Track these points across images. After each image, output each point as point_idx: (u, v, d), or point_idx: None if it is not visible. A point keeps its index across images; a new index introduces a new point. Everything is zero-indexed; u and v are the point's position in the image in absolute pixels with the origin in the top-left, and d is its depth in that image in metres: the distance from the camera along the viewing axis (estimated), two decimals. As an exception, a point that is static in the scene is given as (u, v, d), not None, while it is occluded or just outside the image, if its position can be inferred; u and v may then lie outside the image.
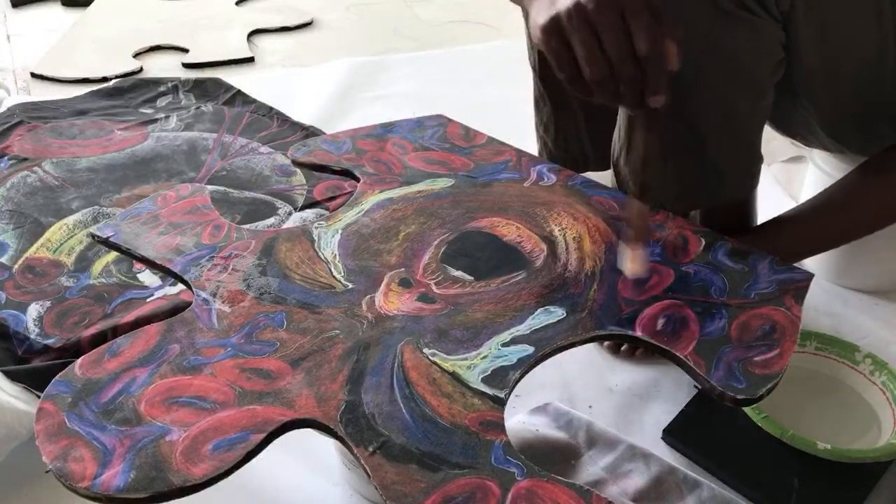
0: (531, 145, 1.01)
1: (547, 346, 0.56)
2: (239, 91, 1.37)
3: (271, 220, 1.02)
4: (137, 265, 0.90)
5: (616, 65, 0.55)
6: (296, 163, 0.77)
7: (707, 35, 0.69)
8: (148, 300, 0.86)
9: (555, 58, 0.58)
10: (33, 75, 1.51)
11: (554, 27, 0.56)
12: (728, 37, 0.69)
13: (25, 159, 1.12)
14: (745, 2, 0.68)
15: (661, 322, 0.58)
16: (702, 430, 0.75)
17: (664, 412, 0.78)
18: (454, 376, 0.53)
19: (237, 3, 1.88)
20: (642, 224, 0.62)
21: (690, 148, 0.75)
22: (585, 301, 0.60)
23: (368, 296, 0.60)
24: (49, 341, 0.80)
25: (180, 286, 0.75)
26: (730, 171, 0.78)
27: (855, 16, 0.71)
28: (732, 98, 0.73)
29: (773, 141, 0.85)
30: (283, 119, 1.28)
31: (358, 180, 0.74)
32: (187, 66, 1.56)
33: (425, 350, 0.55)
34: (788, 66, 0.74)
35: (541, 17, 0.58)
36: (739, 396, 0.52)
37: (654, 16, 0.55)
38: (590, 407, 0.79)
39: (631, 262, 0.61)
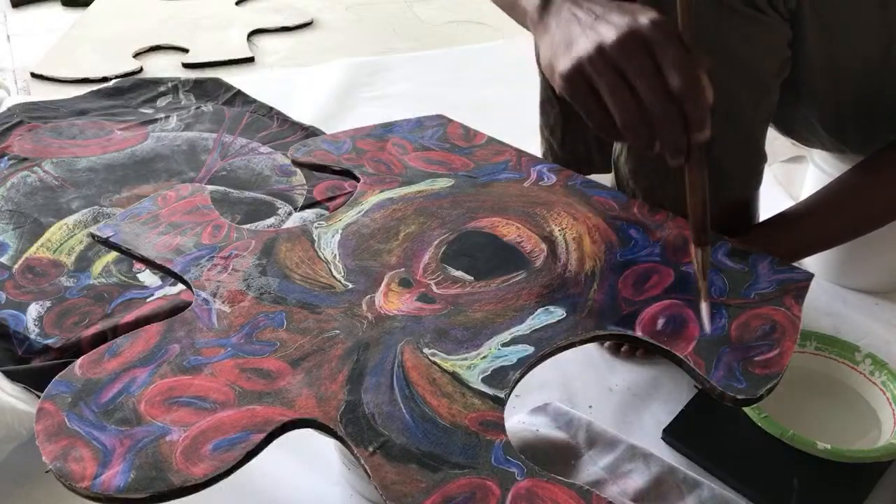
0: (531, 145, 1.01)
1: (547, 346, 0.56)
2: (239, 91, 1.37)
3: (271, 220, 1.02)
4: (137, 265, 0.90)
5: (650, 107, 0.52)
6: (296, 163, 0.77)
7: (713, 32, 0.69)
8: (148, 300, 0.86)
9: (582, 108, 0.55)
10: (33, 75, 1.51)
11: (577, 75, 0.54)
12: (734, 35, 0.69)
13: (25, 159, 1.12)
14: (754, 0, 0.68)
15: (661, 322, 0.58)
16: (702, 430, 0.75)
17: (664, 412, 0.78)
18: (454, 376, 0.53)
19: (237, 3, 1.88)
20: (703, 273, 0.58)
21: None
22: (585, 301, 0.60)
23: (368, 296, 0.60)
24: (49, 341, 0.80)
25: (180, 286, 0.75)
26: (734, 170, 0.78)
27: (860, 15, 0.71)
28: (738, 96, 0.73)
29: (773, 141, 0.85)
30: (283, 119, 1.28)
31: (358, 180, 0.74)
32: (187, 66, 1.56)
33: (425, 350, 0.55)
34: (792, 65, 0.74)
35: (561, 63, 0.55)
36: (739, 396, 0.52)
37: (684, 48, 0.52)
38: (590, 407, 0.79)
39: (706, 317, 0.58)
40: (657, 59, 0.52)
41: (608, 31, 0.53)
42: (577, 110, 0.56)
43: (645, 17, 0.53)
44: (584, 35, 0.54)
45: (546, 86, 0.98)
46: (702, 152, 0.55)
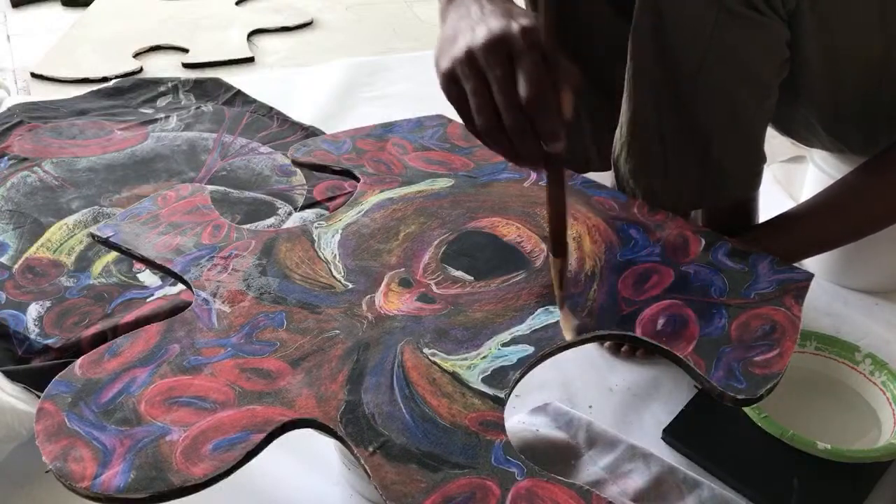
0: (531, 145, 1.01)
1: (547, 346, 0.56)
2: (239, 91, 1.37)
3: (271, 220, 1.02)
4: (137, 265, 0.90)
5: (503, 114, 0.52)
6: (296, 163, 0.77)
7: (711, 34, 0.69)
8: (148, 300, 0.86)
9: (456, 108, 0.56)
10: (33, 75, 1.51)
11: (449, 75, 0.55)
12: (734, 36, 0.69)
13: (25, 159, 1.12)
14: (752, 0, 0.68)
15: (661, 322, 0.58)
16: (702, 430, 0.75)
17: (664, 412, 0.78)
18: (454, 376, 0.53)
19: (237, 3, 1.88)
20: (560, 282, 0.59)
21: (694, 147, 0.75)
22: (585, 301, 0.60)
23: (368, 296, 0.60)
24: (49, 341, 0.80)
25: (180, 286, 0.75)
26: (733, 170, 0.78)
27: (859, 16, 0.71)
28: (737, 97, 0.73)
29: (773, 141, 0.85)
30: (283, 119, 1.28)
31: (358, 180, 0.74)
32: (187, 66, 1.56)
33: (425, 350, 0.55)
34: (791, 66, 0.74)
35: (441, 61, 0.56)
36: (739, 396, 0.52)
37: (541, 58, 0.52)
38: (590, 407, 0.79)
39: (563, 321, 0.58)
40: (516, 65, 0.52)
41: (481, 34, 0.53)
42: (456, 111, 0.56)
43: (517, 23, 0.53)
44: (463, 35, 0.55)
45: None
46: (559, 165, 0.55)
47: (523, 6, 0.57)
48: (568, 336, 0.57)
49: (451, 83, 0.55)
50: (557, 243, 0.59)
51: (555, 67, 0.52)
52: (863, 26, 0.72)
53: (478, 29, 0.54)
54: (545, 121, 0.52)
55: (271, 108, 1.31)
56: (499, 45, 0.52)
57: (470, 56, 0.53)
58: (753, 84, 0.73)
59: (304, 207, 1.05)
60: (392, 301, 0.60)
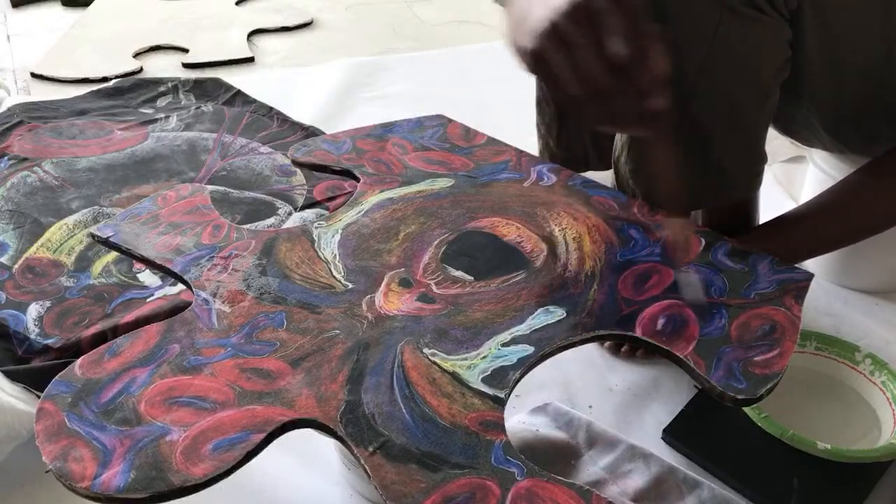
0: (531, 145, 1.01)
1: (547, 345, 0.56)
2: (239, 91, 1.37)
3: (271, 220, 1.02)
4: (137, 265, 0.90)
5: (595, 80, 0.51)
6: (296, 163, 0.77)
7: (714, 33, 0.69)
8: (148, 300, 0.86)
9: (546, 84, 0.54)
10: (33, 75, 1.51)
11: (536, 51, 0.53)
12: (735, 35, 0.69)
13: (25, 159, 1.12)
14: (754, 0, 0.68)
15: (661, 322, 0.58)
16: (702, 430, 0.75)
17: (664, 412, 0.78)
18: (454, 376, 0.53)
19: (237, 3, 1.88)
20: (685, 244, 0.58)
21: (695, 147, 0.75)
22: (585, 301, 0.60)
23: (368, 296, 0.60)
24: (49, 341, 0.80)
25: (180, 286, 0.75)
26: (734, 170, 0.78)
27: (861, 16, 0.71)
28: (739, 97, 0.73)
29: (773, 141, 0.85)
30: (283, 119, 1.28)
31: (358, 180, 0.74)
32: (187, 66, 1.56)
33: (425, 350, 0.55)
34: (792, 65, 0.74)
35: (520, 40, 0.54)
36: (739, 396, 0.52)
37: (626, 15, 0.51)
38: (590, 407, 0.79)
39: (686, 286, 0.58)
40: (597, 28, 0.51)
41: (560, 4, 0.52)
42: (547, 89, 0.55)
43: None
44: (537, 7, 0.53)
45: (541, 85, 0.98)
46: (666, 122, 0.54)
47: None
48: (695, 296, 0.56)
49: (539, 60, 0.53)
50: (676, 200, 0.58)
51: (644, 25, 0.51)
52: (864, 26, 0.72)
53: (553, 1, 0.52)
54: (641, 76, 0.51)
55: (271, 108, 1.31)
56: (580, 9, 0.51)
57: (555, 27, 0.51)
58: (755, 84, 0.73)
59: (304, 207, 1.05)
60: (392, 301, 0.60)
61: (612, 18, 0.50)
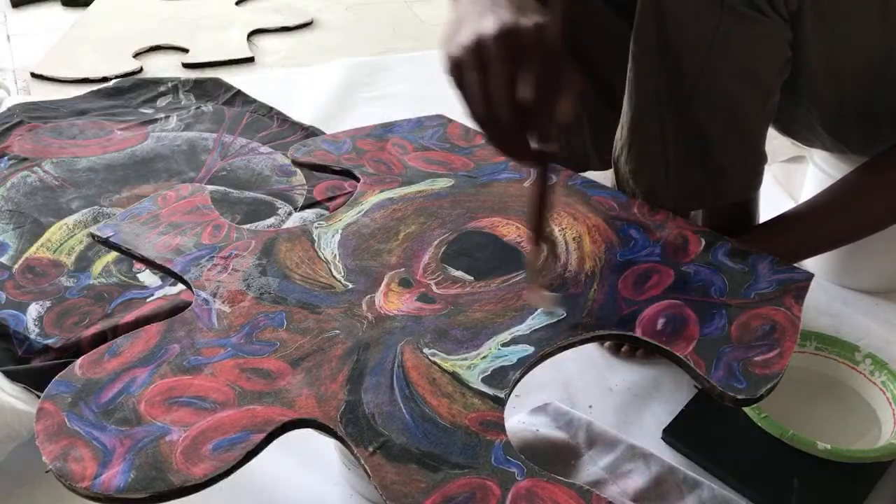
0: (531, 145, 1.01)
1: (547, 345, 0.56)
2: (239, 91, 1.37)
3: (271, 220, 1.02)
4: (137, 265, 0.90)
5: (497, 109, 0.52)
6: (296, 163, 0.77)
7: (714, 34, 0.69)
8: (148, 300, 0.86)
9: (458, 93, 0.55)
10: (33, 75, 1.51)
11: (455, 61, 0.54)
12: (736, 36, 0.69)
13: (25, 159, 1.12)
14: (755, 0, 0.68)
15: (661, 322, 0.58)
16: (702, 430, 0.75)
17: (664, 412, 0.78)
18: (454, 376, 0.53)
19: (237, 3, 1.88)
20: (534, 268, 0.61)
21: (695, 148, 0.75)
22: (585, 301, 0.60)
23: (368, 296, 0.60)
24: (49, 341, 0.80)
25: (180, 286, 0.75)
26: (734, 170, 0.78)
27: (861, 16, 0.71)
28: (739, 97, 0.73)
29: (773, 141, 0.85)
30: (283, 119, 1.28)
31: (358, 180, 0.74)
32: (187, 66, 1.56)
33: (425, 350, 0.55)
34: (793, 66, 0.74)
35: (447, 46, 0.56)
36: (739, 396, 0.52)
37: (549, 62, 0.52)
38: (590, 407, 0.79)
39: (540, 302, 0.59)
40: (521, 65, 0.52)
41: (489, 24, 0.53)
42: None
43: (529, 19, 0.53)
44: (472, 22, 0.55)
45: None
46: (545, 164, 0.57)
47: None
48: (538, 303, 0.58)
49: (456, 69, 0.55)
50: (536, 234, 0.60)
51: (560, 71, 0.53)
52: (864, 27, 0.72)
53: (488, 18, 0.54)
54: (539, 123, 0.53)
55: (271, 108, 1.31)
56: (507, 39, 0.52)
57: (478, 45, 0.53)
58: (755, 84, 0.73)
59: (304, 207, 1.05)
60: (392, 301, 0.60)
61: (532, 57, 0.52)
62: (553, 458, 0.71)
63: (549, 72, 0.52)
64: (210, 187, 1.05)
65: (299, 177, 1.11)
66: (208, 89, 1.38)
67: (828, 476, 0.69)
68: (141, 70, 1.54)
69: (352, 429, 0.49)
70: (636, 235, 0.67)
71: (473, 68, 0.53)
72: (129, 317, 0.83)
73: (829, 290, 0.95)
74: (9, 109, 1.26)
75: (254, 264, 0.63)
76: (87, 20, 1.74)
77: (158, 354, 0.54)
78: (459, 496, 0.45)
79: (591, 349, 0.86)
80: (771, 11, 0.69)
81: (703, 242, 0.66)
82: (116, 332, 0.80)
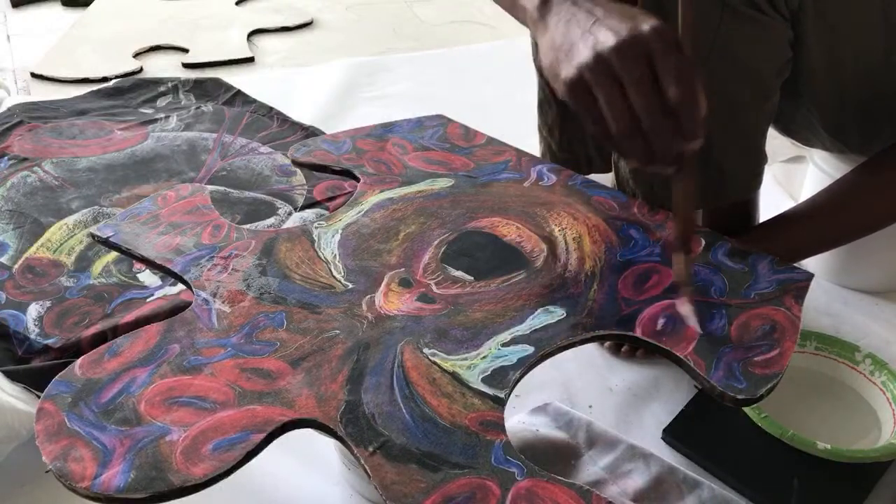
0: (531, 145, 1.01)
1: (547, 346, 0.56)
2: (239, 91, 1.37)
3: (271, 220, 1.02)
4: (137, 265, 0.90)
5: (643, 119, 0.51)
6: (296, 163, 0.77)
7: (714, 33, 0.69)
8: (148, 300, 0.86)
9: (583, 116, 0.54)
10: (33, 75, 1.51)
11: (577, 83, 0.53)
12: (736, 35, 0.69)
13: (25, 159, 1.12)
14: (756, 0, 0.68)
15: (661, 322, 0.58)
16: (702, 430, 0.75)
17: (664, 412, 0.78)
18: (454, 376, 0.53)
19: (237, 3, 1.88)
20: (688, 276, 0.59)
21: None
22: (585, 301, 0.60)
23: (368, 296, 0.60)
24: (49, 341, 0.80)
25: (180, 286, 0.75)
26: (734, 170, 0.78)
27: (862, 16, 0.71)
28: (739, 97, 0.73)
29: (773, 141, 0.85)
30: (283, 119, 1.28)
31: (358, 180, 0.74)
32: (187, 66, 1.56)
33: (425, 350, 0.55)
34: (793, 66, 0.74)
35: (563, 69, 0.54)
36: (739, 396, 0.52)
37: (683, 56, 0.51)
38: (590, 407, 0.79)
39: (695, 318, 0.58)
40: (655, 68, 0.51)
41: (608, 37, 0.52)
42: (581, 119, 0.55)
43: (646, 24, 0.52)
44: (583, 40, 0.53)
45: (544, 86, 0.98)
46: (693, 162, 0.55)
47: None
48: (696, 328, 0.57)
49: (579, 91, 0.53)
50: (686, 241, 0.59)
51: (694, 67, 0.51)
52: (865, 27, 0.72)
53: (600, 33, 0.52)
54: (690, 120, 0.51)
55: (271, 108, 1.31)
56: (634, 47, 0.51)
57: (601, 61, 0.51)
58: (755, 84, 0.73)
59: (304, 207, 1.05)
60: (392, 301, 0.60)
61: (666, 58, 0.51)
62: (553, 458, 0.71)
63: (686, 67, 0.51)
64: (210, 187, 1.05)
65: (299, 177, 1.11)
66: (208, 89, 1.38)
67: (828, 476, 0.69)
68: (141, 70, 1.54)
69: (352, 429, 0.49)
70: (636, 235, 0.67)
71: (604, 84, 0.51)
72: (129, 317, 0.83)
73: (829, 290, 0.95)
74: (9, 109, 1.26)
75: (254, 264, 0.63)
76: (87, 20, 1.74)
77: (158, 354, 0.54)
78: (459, 496, 0.45)
79: (591, 349, 0.86)
80: (772, 11, 0.69)
81: (703, 242, 0.66)
82: (116, 332, 0.80)
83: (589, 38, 0.53)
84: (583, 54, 0.52)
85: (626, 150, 0.54)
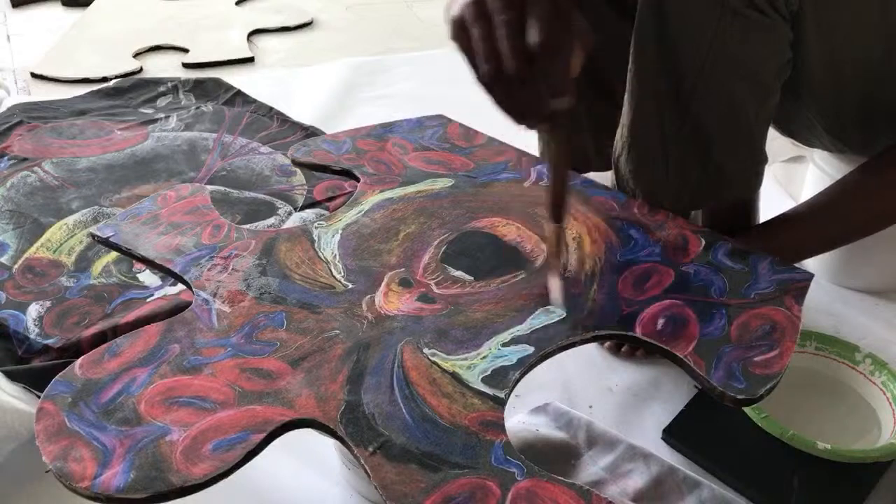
0: (531, 145, 1.01)
1: (547, 346, 0.56)
2: (239, 91, 1.37)
3: (271, 220, 1.02)
4: (137, 265, 0.90)
5: (505, 61, 0.49)
6: (296, 163, 0.77)
7: (714, 33, 0.69)
8: (148, 300, 0.86)
9: (463, 56, 0.52)
10: (33, 75, 1.51)
11: (458, 22, 0.51)
12: (736, 36, 0.69)
13: (25, 159, 1.12)
14: (755, 0, 0.68)
15: (661, 322, 0.58)
16: (702, 430, 0.75)
17: (664, 412, 0.78)
18: (454, 376, 0.53)
19: (237, 3, 1.88)
20: (556, 249, 0.59)
21: (695, 147, 0.75)
22: (585, 301, 0.60)
23: (368, 296, 0.60)
24: (49, 341, 0.80)
25: (180, 286, 0.75)
26: (734, 171, 0.78)
27: (861, 16, 0.71)
28: (739, 98, 0.73)
29: (773, 141, 0.85)
30: (283, 119, 1.28)
31: (358, 180, 0.74)
32: (187, 66, 1.56)
33: (425, 350, 0.55)
34: (793, 66, 0.74)
35: (451, 7, 0.52)
36: (739, 396, 0.52)
37: (556, 8, 0.48)
38: (590, 407, 0.79)
39: (552, 291, 0.58)
40: (526, 11, 0.49)
41: None
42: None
43: None
44: None
45: None
46: (565, 124, 0.53)
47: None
48: (556, 302, 0.56)
49: (459, 29, 0.51)
50: (557, 207, 0.57)
51: (571, 16, 0.49)
52: (864, 27, 0.72)
53: None
54: (554, 71, 0.49)
55: (271, 108, 1.31)
56: None
57: (478, 1, 0.50)
58: (755, 84, 0.73)
59: (304, 207, 1.05)
60: (392, 301, 0.60)
61: (540, 2, 0.48)
62: (553, 458, 0.71)
63: (559, 15, 0.48)
64: (210, 187, 1.05)
65: (299, 177, 1.11)
66: (208, 89, 1.38)
67: (828, 476, 0.69)
68: (141, 70, 1.54)
69: (352, 429, 0.49)
70: (636, 235, 0.67)
71: (476, 23, 0.50)
72: (129, 317, 0.83)
73: (829, 290, 0.95)
74: (9, 109, 1.26)
75: (254, 264, 0.63)
76: (87, 20, 1.75)
77: (158, 354, 0.54)
78: (459, 496, 0.45)
79: (591, 349, 0.86)
80: (772, 11, 0.69)
81: (703, 242, 0.66)
82: (116, 332, 0.80)
83: None
84: None
85: (494, 96, 0.51)
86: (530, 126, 0.52)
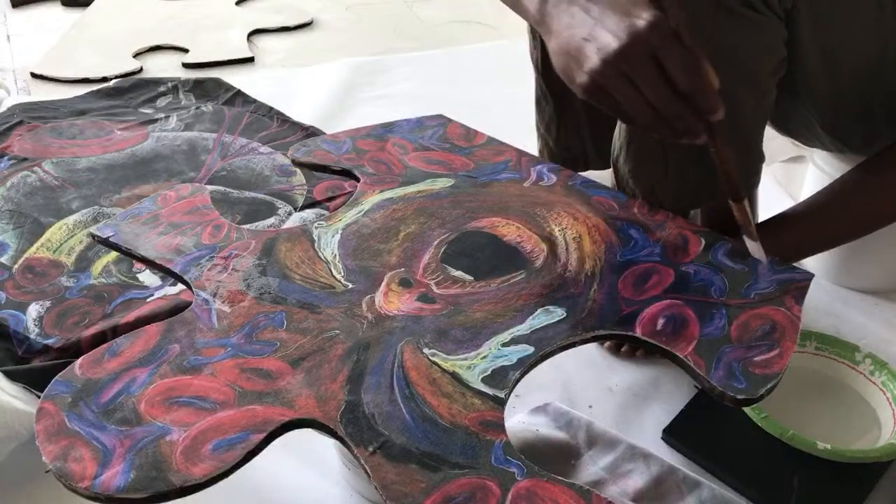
0: (531, 145, 1.01)
1: (547, 345, 0.56)
2: (239, 91, 1.37)
3: (271, 220, 1.02)
4: (137, 265, 0.90)
5: (661, 108, 0.56)
6: (296, 163, 0.77)
7: (709, 33, 0.69)
8: (148, 300, 0.86)
9: (612, 114, 0.59)
10: (33, 75, 1.51)
11: (594, 88, 0.57)
12: (731, 34, 0.69)
13: (25, 159, 1.12)
14: None
15: (661, 322, 0.58)
16: (702, 430, 0.75)
17: (664, 412, 0.78)
18: (454, 376, 0.53)
19: (237, 3, 1.88)
20: (749, 219, 0.65)
21: (692, 147, 0.75)
22: (585, 301, 0.60)
23: (368, 296, 0.60)
24: (49, 341, 0.80)
25: (180, 286, 0.75)
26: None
27: (856, 14, 0.71)
28: (734, 96, 0.73)
29: (773, 141, 0.85)
30: (283, 119, 1.28)
31: (358, 180, 0.74)
32: (187, 66, 1.56)
33: (425, 350, 0.55)
34: (789, 65, 0.74)
35: (577, 76, 0.58)
36: (739, 396, 0.52)
37: (684, 45, 0.55)
38: (590, 407, 0.79)
39: (755, 251, 0.65)
40: (662, 61, 0.54)
41: (610, 41, 0.55)
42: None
43: (642, 19, 0.55)
44: (588, 44, 0.57)
45: (541, 83, 0.98)
46: (722, 127, 0.59)
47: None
48: (761, 257, 0.64)
49: (598, 95, 0.57)
50: (735, 191, 0.64)
51: (693, 46, 0.55)
52: (859, 24, 0.72)
53: (602, 36, 0.56)
54: (705, 100, 0.56)
55: (271, 108, 1.31)
56: (637, 48, 0.54)
57: (609, 65, 0.55)
58: (751, 83, 0.73)
59: (304, 207, 1.05)
60: (392, 301, 0.60)
61: (669, 52, 0.54)
62: (553, 458, 0.71)
63: (687, 53, 0.55)
64: (210, 187, 1.05)
65: (299, 177, 1.11)
66: (208, 89, 1.38)
67: (828, 476, 0.69)
68: (141, 70, 1.54)
69: (352, 429, 0.49)
70: (636, 235, 0.67)
71: (620, 86, 0.56)
72: (129, 317, 0.83)
73: (829, 290, 0.95)
74: (9, 109, 1.26)
75: (254, 264, 0.63)
76: (87, 20, 1.74)
77: (158, 354, 0.54)
78: (459, 496, 0.45)
79: (591, 349, 0.86)
80: (766, 10, 0.69)
81: (703, 242, 0.66)
82: (116, 332, 0.80)
83: (593, 43, 0.56)
84: (591, 60, 0.56)
85: (657, 134, 0.59)
86: (698, 138, 0.59)
